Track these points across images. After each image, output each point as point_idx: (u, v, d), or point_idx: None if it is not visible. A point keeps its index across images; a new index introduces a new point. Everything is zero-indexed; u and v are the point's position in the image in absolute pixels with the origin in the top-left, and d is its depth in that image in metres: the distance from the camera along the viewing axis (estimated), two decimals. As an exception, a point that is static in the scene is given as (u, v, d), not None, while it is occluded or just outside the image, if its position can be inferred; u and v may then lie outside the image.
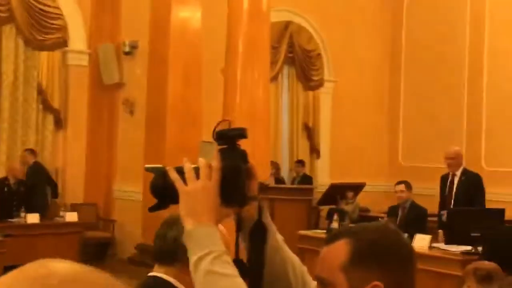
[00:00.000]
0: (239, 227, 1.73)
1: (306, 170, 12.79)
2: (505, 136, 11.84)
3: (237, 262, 1.67)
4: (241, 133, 1.71)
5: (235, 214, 1.73)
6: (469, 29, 12.56)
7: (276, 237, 1.77)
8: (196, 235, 1.62)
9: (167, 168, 1.68)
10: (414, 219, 8.28)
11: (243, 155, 1.71)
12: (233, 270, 1.60)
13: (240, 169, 1.68)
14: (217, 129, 1.71)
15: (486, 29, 12.25)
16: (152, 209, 1.73)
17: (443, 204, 8.39)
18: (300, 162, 12.73)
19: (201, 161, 1.67)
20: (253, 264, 1.70)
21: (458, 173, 8.35)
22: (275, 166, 12.05)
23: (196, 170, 1.66)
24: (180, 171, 1.67)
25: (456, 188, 8.27)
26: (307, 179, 12.42)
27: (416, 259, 1.52)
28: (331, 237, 1.54)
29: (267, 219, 1.76)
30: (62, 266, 0.74)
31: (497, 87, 12.04)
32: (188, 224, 1.63)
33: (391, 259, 1.47)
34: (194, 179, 1.65)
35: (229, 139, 1.71)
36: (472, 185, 8.18)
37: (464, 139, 12.39)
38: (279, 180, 12.13)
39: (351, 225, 1.89)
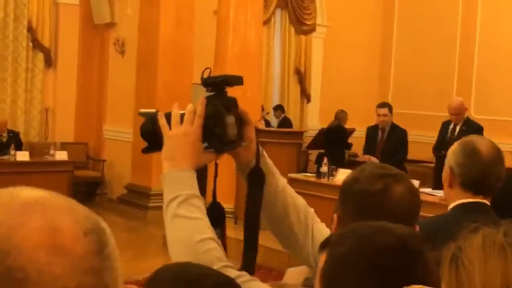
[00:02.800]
0: (216, 173, 1.75)
1: (296, 114, 12.76)
2: (494, 86, 11.88)
3: (214, 205, 1.74)
4: (228, 80, 1.73)
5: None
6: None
7: (277, 182, 1.82)
8: (169, 179, 1.66)
9: (158, 113, 1.73)
10: (397, 139, 8.61)
11: (229, 102, 1.73)
12: (197, 212, 1.63)
13: (221, 115, 1.70)
14: (204, 76, 1.73)
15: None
16: (145, 151, 1.79)
17: (440, 147, 8.49)
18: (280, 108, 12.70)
19: (189, 107, 1.70)
20: (249, 208, 1.74)
21: (460, 122, 8.42)
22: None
23: (183, 116, 1.70)
24: (169, 116, 1.71)
25: (457, 137, 8.33)
26: (287, 122, 12.36)
27: None
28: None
29: (267, 163, 1.82)
30: (26, 192, 0.75)
31: (489, 38, 12.01)
32: (164, 167, 1.68)
33: None
34: (178, 125, 1.69)
35: (216, 86, 1.73)
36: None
37: (454, 87, 12.41)
38: (268, 123, 12.15)
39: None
